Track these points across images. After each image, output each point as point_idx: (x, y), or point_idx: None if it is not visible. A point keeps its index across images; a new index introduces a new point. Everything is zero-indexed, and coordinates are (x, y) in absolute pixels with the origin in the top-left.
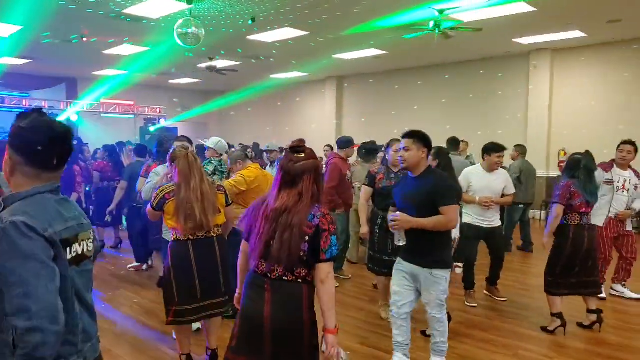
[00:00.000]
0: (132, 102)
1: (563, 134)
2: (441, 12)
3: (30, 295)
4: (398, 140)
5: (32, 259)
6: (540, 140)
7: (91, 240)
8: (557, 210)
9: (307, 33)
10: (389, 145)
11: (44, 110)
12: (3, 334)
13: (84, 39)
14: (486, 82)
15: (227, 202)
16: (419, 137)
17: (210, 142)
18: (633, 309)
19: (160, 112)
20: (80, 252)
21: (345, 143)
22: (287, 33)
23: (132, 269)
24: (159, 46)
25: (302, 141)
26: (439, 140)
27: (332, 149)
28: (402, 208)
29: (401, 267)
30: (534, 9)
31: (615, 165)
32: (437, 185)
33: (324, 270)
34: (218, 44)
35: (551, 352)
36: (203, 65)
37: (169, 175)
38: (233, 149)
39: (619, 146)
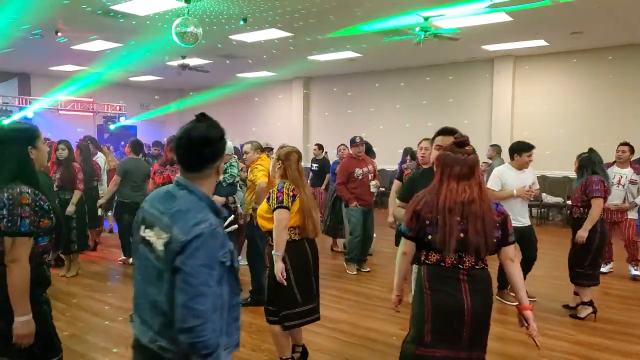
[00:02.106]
0: (91, 99)
1: (525, 135)
2: (426, 19)
3: None
4: (426, 139)
5: None
6: (504, 141)
7: (161, 242)
8: (601, 204)
9: (291, 34)
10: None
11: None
12: None
13: (59, 34)
14: (453, 86)
15: None
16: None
17: None
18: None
19: (120, 109)
20: (150, 241)
21: (350, 142)
22: (272, 34)
23: (121, 262)
24: (139, 44)
25: (464, 136)
26: (407, 142)
27: (320, 147)
28: None
29: None
30: (511, 19)
31: (615, 164)
32: None
33: (512, 250)
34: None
35: (572, 330)
36: (174, 62)
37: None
38: None
39: (617, 147)
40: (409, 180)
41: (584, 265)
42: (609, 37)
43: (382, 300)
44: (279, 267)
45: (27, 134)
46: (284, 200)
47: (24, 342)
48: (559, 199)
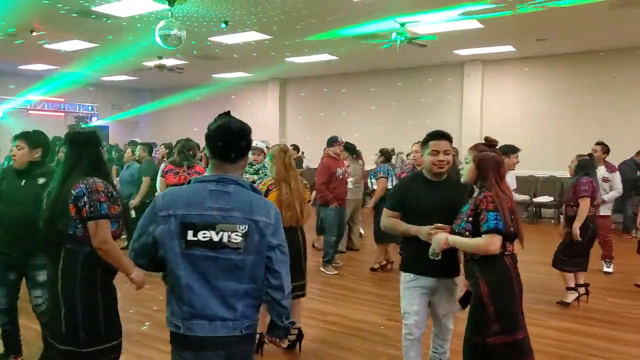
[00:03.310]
0: (62, 99)
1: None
2: (402, 24)
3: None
4: (418, 143)
5: (140, 223)
6: (474, 142)
7: (238, 234)
8: (588, 203)
9: (270, 37)
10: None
11: None
12: None
13: (34, 34)
14: (425, 88)
15: (308, 199)
16: (451, 139)
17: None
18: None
19: (94, 110)
20: (216, 239)
21: (329, 142)
22: (251, 36)
23: None
24: (117, 45)
25: (493, 139)
26: (380, 143)
27: (295, 148)
28: (424, 215)
29: (422, 282)
30: (482, 26)
31: None
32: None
33: None
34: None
35: (546, 317)
36: (151, 63)
37: None
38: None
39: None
40: (397, 189)
41: (572, 254)
42: (570, 44)
43: (368, 294)
44: None
45: (98, 137)
46: None
47: (142, 287)
48: (525, 197)
